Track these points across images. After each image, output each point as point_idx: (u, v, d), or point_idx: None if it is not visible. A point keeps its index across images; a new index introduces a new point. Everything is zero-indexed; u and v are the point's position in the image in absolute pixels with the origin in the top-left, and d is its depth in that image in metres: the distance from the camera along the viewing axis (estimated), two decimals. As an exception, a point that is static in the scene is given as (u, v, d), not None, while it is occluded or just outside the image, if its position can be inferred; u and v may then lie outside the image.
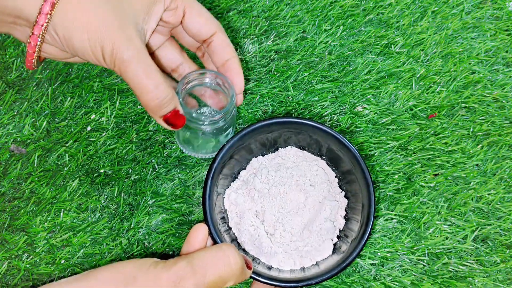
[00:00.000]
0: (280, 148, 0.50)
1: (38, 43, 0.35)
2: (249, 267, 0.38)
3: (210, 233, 0.41)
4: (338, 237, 0.46)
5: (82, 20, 0.34)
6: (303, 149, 0.50)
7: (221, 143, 0.49)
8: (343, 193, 0.48)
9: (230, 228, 0.46)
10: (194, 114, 0.43)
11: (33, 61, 0.36)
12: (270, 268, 0.43)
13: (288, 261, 0.44)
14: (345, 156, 0.46)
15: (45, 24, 0.34)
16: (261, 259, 0.44)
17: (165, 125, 0.39)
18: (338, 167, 0.48)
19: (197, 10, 0.41)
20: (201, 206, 0.51)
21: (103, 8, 0.34)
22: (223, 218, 0.46)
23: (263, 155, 0.50)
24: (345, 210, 0.47)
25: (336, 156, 0.48)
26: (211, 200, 0.43)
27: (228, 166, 0.47)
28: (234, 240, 0.45)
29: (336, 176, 0.49)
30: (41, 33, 0.34)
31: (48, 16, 0.33)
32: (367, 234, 0.42)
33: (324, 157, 0.49)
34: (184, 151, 0.52)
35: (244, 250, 0.45)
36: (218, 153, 0.44)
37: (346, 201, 0.47)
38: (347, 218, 0.47)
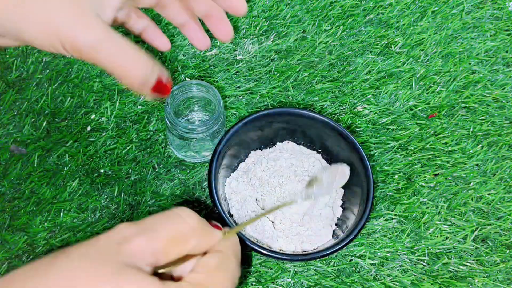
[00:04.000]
0: (277, 143, 0.51)
1: None
2: (216, 227, 0.34)
3: (218, 213, 0.42)
4: (336, 225, 0.47)
5: (30, 14, 0.29)
6: (299, 145, 0.51)
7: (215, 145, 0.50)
8: None
9: (232, 215, 0.47)
10: (190, 126, 0.45)
11: None
12: (278, 249, 0.45)
13: (290, 245, 0.45)
14: (340, 147, 0.47)
15: None
16: (264, 243, 0.45)
17: (153, 97, 0.34)
18: (333, 160, 0.50)
19: None
20: (201, 206, 0.51)
21: None
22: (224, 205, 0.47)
23: (261, 150, 0.51)
24: (342, 200, 0.48)
25: (331, 149, 0.49)
26: (216, 180, 0.44)
27: (227, 159, 0.48)
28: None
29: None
30: None
31: None
32: (366, 215, 0.43)
33: (319, 150, 0.50)
34: (180, 156, 0.52)
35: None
36: (223, 137, 0.45)
37: (342, 190, 0.49)
38: (344, 208, 0.48)
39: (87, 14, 0.30)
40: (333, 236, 0.46)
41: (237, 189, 0.48)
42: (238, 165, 0.50)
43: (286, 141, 0.51)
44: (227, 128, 0.47)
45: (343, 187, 0.49)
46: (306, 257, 0.41)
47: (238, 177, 0.49)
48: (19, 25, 0.30)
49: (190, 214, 0.31)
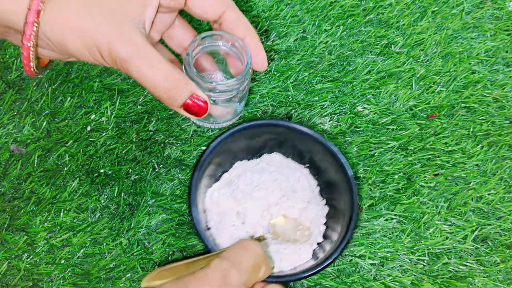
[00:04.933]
0: (264, 154, 0.50)
1: (31, 52, 0.33)
2: None
3: (195, 226, 0.41)
4: (317, 243, 0.46)
5: (72, 24, 0.32)
6: (287, 157, 0.50)
7: (237, 111, 0.46)
8: (325, 200, 0.48)
9: (209, 229, 0.46)
10: (213, 84, 0.38)
11: (31, 69, 0.35)
12: None
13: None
14: (329, 163, 0.46)
15: (33, 33, 0.32)
16: None
17: (187, 115, 0.37)
18: (320, 176, 0.49)
19: None
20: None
21: (93, 8, 0.33)
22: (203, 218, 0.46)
23: (248, 160, 0.50)
24: (326, 217, 0.47)
25: (319, 165, 0.48)
26: (197, 190, 0.43)
27: (211, 167, 0.46)
28: (213, 241, 0.45)
29: (318, 185, 0.49)
30: (31, 42, 0.33)
31: (35, 24, 0.32)
32: (347, 238, 0.42)
33: (307, 165, 0.50)
34: (197, 123, 0.47)
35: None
36: (208, 146, 0.44)
37: (327, 208, 0.48)
38: (327, 226, 0.47)
39: (126, 28, 0.33)
40: (313, 256, 0.45)
41: (218, 201, 0.46)
42: (221, 175, 0.49)
43: (274, 153, 0.50)
44: (214, 137, 0.45)
45: (328, 204, 0.48)
46: (279, 279, 0.41)
47: (220, 188, 0.48)
48: (65, 38, 0.33)
49: (258, 245, 0.37)
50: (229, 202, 0.46)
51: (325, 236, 0.46)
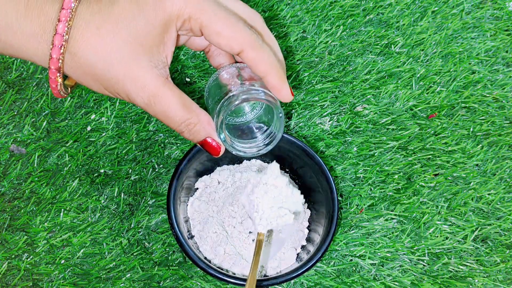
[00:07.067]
0: (244, 160, 0.50)
1: (59, 86, 0.35)
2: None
3: (176, 236, 0.41)
4: (301, 246, 0.46)
5: (92, 74, 0.34)
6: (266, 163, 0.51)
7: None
8: (306, 204, 0.49)
9: (193, 236, 0.46)
10: (231, 148, 0.38)
11: (60, 92, 0.36)
12: (234, 274, 0.43)
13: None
14: (308, 167, 0.47)
15: (59, 80, 0.34)
16: (224, 267, 0.44)
17: (205, 150, 0.38)
18: (301, 181, 0.49)
19: (215, 30, 0.35)
20: (201, 206, 0.51)
21: (111, 60, 0.34)
22: (184, 227, 0.46)
23: (228, 165, 0.50)
24: (308, 221, 0.48)
25: (299, 170, 0.48)
26: (175, 200, 0.43)
27: (191, 177, 0.47)
28: (196, 249, 0.45)
29: (298, 189, 0.49)
30: (58, 84, 0.35)
31: (58, 74, 0.34)
32: (329, 240, 0.42)
33: (287, 170, 0.50)
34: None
35: (205, 258, 0.44)
36: (185, 156, 0.44)
37: (309, 212, 0.48)
38: (310, 229, 0.47)
39: (141, 74, 0.34)
40: (297, 259, 0.45)
41: (199, 209, 0.47)
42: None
43: (254, 160, 0.50)
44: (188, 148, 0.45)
45: (309, 208, 0.48)
46: (262, 284, 0.41)
47: (201, 196, 0.48)
48: (87, 80, 0.35)
49: None
50: (209, 209, 0.46)
51: (308, 239, 0.46)
